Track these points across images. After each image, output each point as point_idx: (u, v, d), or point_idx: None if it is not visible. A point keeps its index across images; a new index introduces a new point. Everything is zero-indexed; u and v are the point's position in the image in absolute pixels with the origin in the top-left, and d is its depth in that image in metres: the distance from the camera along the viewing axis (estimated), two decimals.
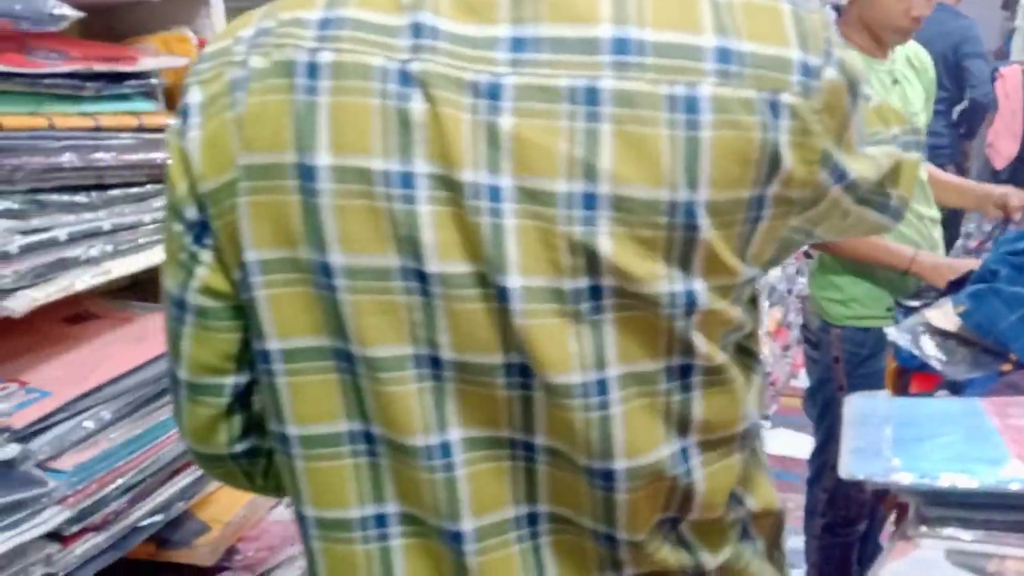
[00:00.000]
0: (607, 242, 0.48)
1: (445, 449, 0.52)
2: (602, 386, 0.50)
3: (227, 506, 1.20)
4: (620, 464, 0.51)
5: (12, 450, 0.88)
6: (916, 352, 1.20)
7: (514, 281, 0.48)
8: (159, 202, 1.12)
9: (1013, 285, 1.14)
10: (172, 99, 1.17)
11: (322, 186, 0.49)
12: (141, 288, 1.30)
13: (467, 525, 0.53)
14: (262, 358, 0.54)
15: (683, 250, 0.49)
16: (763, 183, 0.49)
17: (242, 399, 0.59)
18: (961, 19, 3.55)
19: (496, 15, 0.48)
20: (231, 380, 0.57)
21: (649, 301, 0.49)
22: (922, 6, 1.60)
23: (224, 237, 0.53)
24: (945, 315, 1.20)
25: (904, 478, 0.76)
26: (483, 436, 0.53)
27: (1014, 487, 0.73)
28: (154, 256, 1.11)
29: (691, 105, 0.47)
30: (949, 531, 0.76)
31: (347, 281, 0.50)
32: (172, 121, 0.55)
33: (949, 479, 0.74)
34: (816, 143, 0.50)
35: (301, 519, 0.56)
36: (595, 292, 0.49)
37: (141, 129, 1.08)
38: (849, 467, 0.79)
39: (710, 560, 0.57)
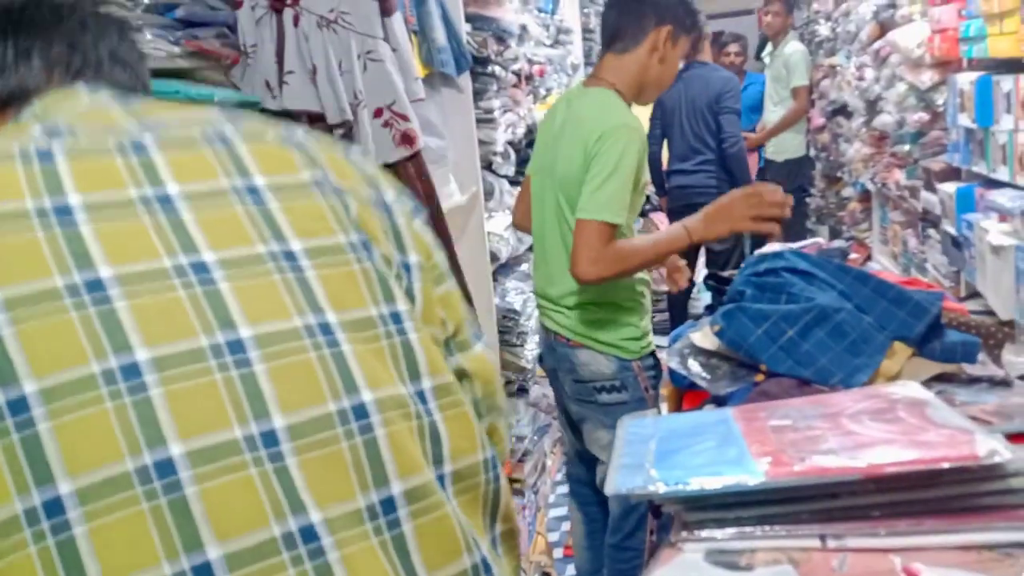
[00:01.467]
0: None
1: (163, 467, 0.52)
2: (325, 328, 0.57)
3: None
4: (368, 396, 0.56)
5: None
6: (684, 372, 1.29)
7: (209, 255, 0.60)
8: None
9: (756, 303, 1.26)
10: None
11: None
12: None
13: (213, 553, 0.51)
14: None
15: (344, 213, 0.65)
16: None
17: None
18: (721, 73, 3.95)
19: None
20: None
21: (336, 250, 0.61)
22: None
23: None
24: (705, 335, 1.31)
25: (660, 487, 0.81)
26: (209, 446, 0.52)
27: (751, 483, 0.80)
28: None
29: (250, 189, 0.64)
30: (706, 532, 0.82)
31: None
32: None
33: (697, 483, 0.80)
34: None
35: None
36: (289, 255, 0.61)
37: None
38: (614, 483, 0.84)
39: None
